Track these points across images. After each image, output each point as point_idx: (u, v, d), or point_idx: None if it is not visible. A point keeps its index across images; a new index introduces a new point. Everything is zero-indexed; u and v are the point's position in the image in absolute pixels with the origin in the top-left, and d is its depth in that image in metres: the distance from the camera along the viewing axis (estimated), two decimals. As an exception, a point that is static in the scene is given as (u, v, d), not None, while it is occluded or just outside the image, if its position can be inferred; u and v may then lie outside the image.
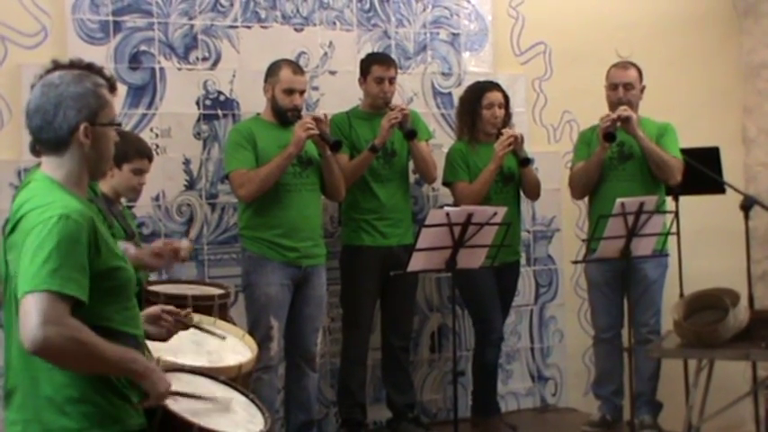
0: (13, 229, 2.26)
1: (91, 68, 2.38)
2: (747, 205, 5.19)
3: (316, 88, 5.11)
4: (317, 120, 4.53)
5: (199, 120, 4.88)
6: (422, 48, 5.42)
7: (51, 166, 2.33)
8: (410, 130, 4.78)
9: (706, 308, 4.53)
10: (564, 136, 5.74)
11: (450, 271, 4.43)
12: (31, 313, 2.10)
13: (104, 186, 3.76)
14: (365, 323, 4.94)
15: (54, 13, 4.59)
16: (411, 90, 5.37)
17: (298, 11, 5.11)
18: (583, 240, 4.96)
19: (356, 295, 4.91)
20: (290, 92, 4.58)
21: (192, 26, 4.86)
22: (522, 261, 5.40)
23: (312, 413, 4.76)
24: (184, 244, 3.84)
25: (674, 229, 4.92)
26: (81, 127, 2.29)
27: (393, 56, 5.15)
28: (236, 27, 4.96)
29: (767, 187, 6.11)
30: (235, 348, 3.39)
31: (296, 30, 5.11)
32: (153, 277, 4.17)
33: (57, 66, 2.36)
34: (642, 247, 4.55)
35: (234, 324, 3.81)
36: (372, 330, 5.02)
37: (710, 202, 5.55)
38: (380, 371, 5.09)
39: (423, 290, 5.33)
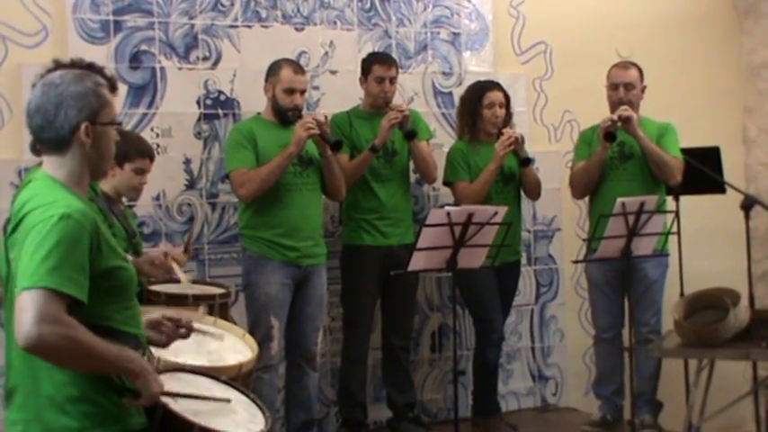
0: (14, 229, 2.26)
1: (92, 68, 2.38)
2: (748, 205, 5.19)
3: (316, 88, 5.11)
4: (317, 120, 4.53)
5: (199, 119, 4.88)
6: (422, 47, 5.42)
7: (52, 166, 2.33)
8: (410, 131, 4.78)
9: (706, 307, 4.53)
10: (564, 136, 5.74)
11: (450, 271, 4.42)
12: (27, 310, 2.09)
13: (105, 186, 3.77)
14: (365, 323, 4.94)
15: (54, 13, 4.59)
16: (412, 90, 5.37)
17: (298, 10, 5.11)
18: (583, 240, 4.96)
19: (357, 295, 4.91)
20: (290, 91, 4.58)
21: (192, 26, 4.86)
22: (523, 261, 5.40)
23: (312, 413, 4.76)
24: (180, 257, 3.87)
25: (674, 229, 4.92)
26: (82, 126, 2.29)
27: (394, 55, 5.15)
28: (237, 26, 4.96)
29: (767, 187, 6.11)
30: (235, 348, 3.38)
31: (296, 29, 5.11)
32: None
33: (57, 65, 2.35)
34: (643, 246, 4.55)
35: (234, 323, 3.80)
36: (373, 330, 5.02)
37: (711, 202, 5.55)
38: (381, 370, 5.09)
39: (423, 289, 5.33)
